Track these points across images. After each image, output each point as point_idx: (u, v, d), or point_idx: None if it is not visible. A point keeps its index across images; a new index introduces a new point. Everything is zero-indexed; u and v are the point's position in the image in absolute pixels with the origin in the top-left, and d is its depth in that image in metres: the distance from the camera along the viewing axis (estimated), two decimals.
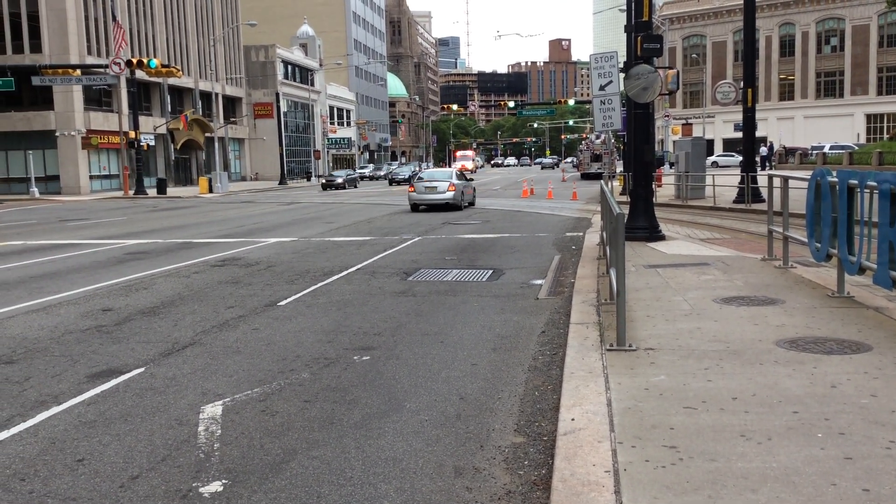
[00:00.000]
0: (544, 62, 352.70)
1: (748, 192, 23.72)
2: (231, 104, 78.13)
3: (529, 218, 23.95)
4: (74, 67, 47.82)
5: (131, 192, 50.63)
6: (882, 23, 77.42)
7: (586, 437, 4.57)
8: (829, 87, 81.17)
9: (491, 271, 12.75)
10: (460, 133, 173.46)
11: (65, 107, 52.42)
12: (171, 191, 54.53)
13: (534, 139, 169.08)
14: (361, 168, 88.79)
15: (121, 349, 7.99)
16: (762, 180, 23.55)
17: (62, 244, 19.29)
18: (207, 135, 66.24)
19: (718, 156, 68.97)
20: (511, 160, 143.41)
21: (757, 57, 60.33)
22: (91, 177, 55.10)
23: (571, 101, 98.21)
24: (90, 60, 52.58)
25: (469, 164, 79.49)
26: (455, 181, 28.75)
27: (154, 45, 62.16)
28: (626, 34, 19.66)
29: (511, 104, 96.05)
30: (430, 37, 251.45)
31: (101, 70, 48.40)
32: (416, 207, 28.60)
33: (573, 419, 4.89)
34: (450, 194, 27.97)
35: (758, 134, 28.56)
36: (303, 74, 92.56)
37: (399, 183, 60.89)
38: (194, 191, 55.08)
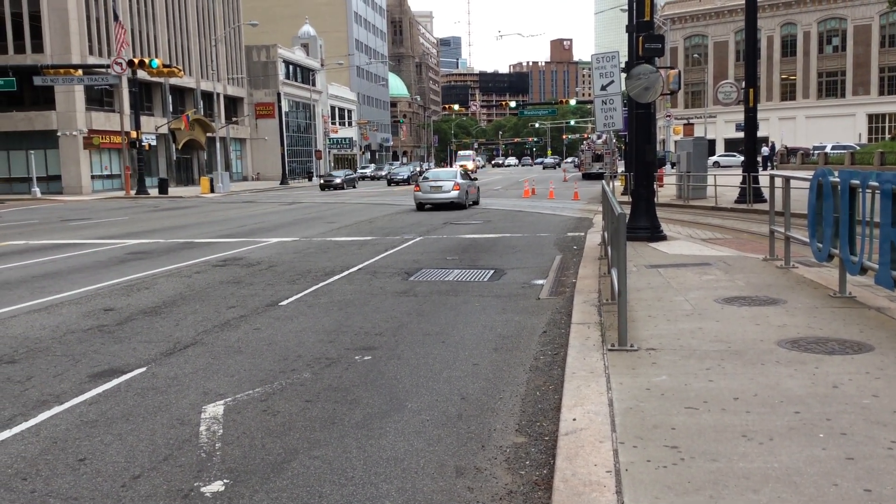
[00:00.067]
0: (546, 62, 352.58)
1: (750, 193, 23.71)
2: (232, 104, 78.19)
3: (531, 218, 23.95)
4: (76, 67, 47.87)
5: (133, 192, 50.67)
6: (884, 23, 77.36)
7: (588, 437, 4.57)
8: (831, 87, 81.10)
9: (492, 271, 12.75)
10: (462, 133, 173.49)
11: (66, 107, 52.47)
12: (173, 191, 54.57)
13: (535, 139, 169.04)
14: (363, 168, 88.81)
15: (122, 349, 7.99)
16: (764, 180, 23.54)
17: (64, 244, 19.31)
18: (209, 135, 66.29)
19: (720, 156, 68.92)
20: (511, 160, 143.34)
21: (758, 57, 60.26)
22: (93, 177, 55.16)
23: (573, 101, 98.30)
24: (92, 60, 52.62)
25: (469, 164, 79.09)
26: (459, 181, 29.33)
27: (156, 44, 62.21)
28: (627, 34, 19.64)
29: (512, 104, 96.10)
30: (432, 37, 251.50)
31: (103, 70, 48.44)
32: (421, 206, 29.19)
33: (575, 419, 4.89)
34: (454, 193, 28.55)
35: (759, 134, 28.54)
36: (304, 74, 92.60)
37: (398, 183, 60.33)
38: (196, 191, 55.11)
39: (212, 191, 52.36)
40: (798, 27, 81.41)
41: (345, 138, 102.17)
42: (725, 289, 9.13)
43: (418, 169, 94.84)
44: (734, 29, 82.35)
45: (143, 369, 7.18)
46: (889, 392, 5.16)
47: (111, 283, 12.41)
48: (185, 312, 9.86)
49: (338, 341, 8.09)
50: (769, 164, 54.61)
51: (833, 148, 54.52)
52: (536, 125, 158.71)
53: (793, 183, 10.78)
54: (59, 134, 52.66)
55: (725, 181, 27.53)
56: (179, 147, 63.87)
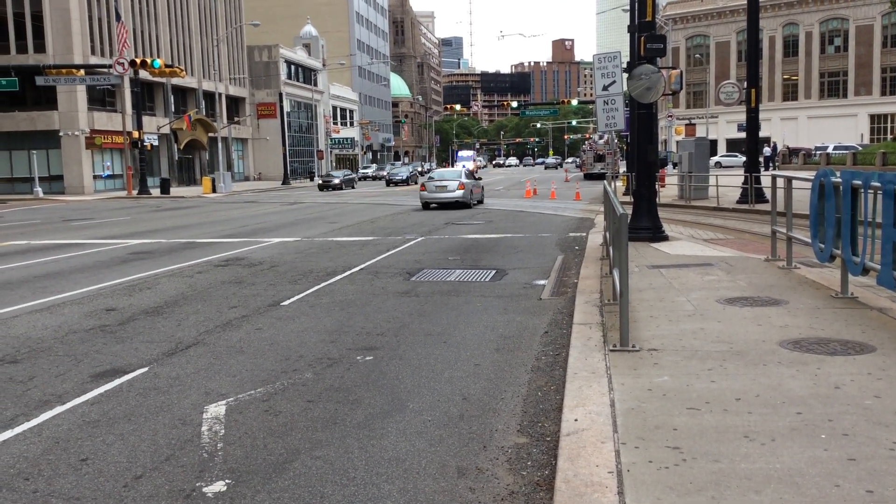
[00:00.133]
0: (547, 62, 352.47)
1: (752, 193, 23.69)
2: (234, 104, 78.23)
3: (532, 218, 23.94)
4: (78, 67, 47.91)
5: (135, 192, 50.71)
6: (886, 23, 77.27)
7: (589, 437, 4.57)
8: (833, 87, 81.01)
9: (494, 271, 12.75)
10: (463, 133, 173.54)
11: (68, 107, 52.52)
12: (175, 191, 54.62)
13: (537, 139, 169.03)
14: (364, 168, 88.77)
15: (124, 349, 8.00)
16: (766, 181, 23.56)
17: (66, 244, 19.33)
18: (211, 135, 66.34)
19: (722, 156, 68.87)
20: (512, 160, 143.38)
21: (760, 57, 60.20)
22: (95, 177, 55.20)
23: (574, 102, 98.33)
24: (94, 60, 52.67)
25: (470, 165, 78.45)
26: (464, 180, 29.89)
27: (157, 45, 62.26)
28: (629, 34, 19.64)
29: (514, 104, 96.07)
30: (434, 37, 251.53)
31: (105, 70, 48.49)
32: (427, 206, 29.71)
33: (576, 420, 4.89)
34: (459, 193, 29.10)
35: (761, 134, 28.49)
36: (306, 74, 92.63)
37: (396, 184, 59.53)
38: (198, 191, 55.15)
39: (214, 191, 52.39)
40: (800, 27, 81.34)
41: (346, 138, 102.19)
42: (727, 289, 9.12)
43: (419, 169, 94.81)
44: (736, 29, 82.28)
45: (145, 369, 7.18)
46: (891, 393, 5.16)
47: (113, 283, 12.42)
48: (187, 312, 9.87)
49: (339, 341, 8.09)
50: (771, 164, 54.56)
51: (835, 148, 54.46)
52: (538, 125, 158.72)
53: (795, 183, 10.77)
54: (61, 134, 52.71)
55: (727, 181, 27.52)
56: (181, 147, 63.92)
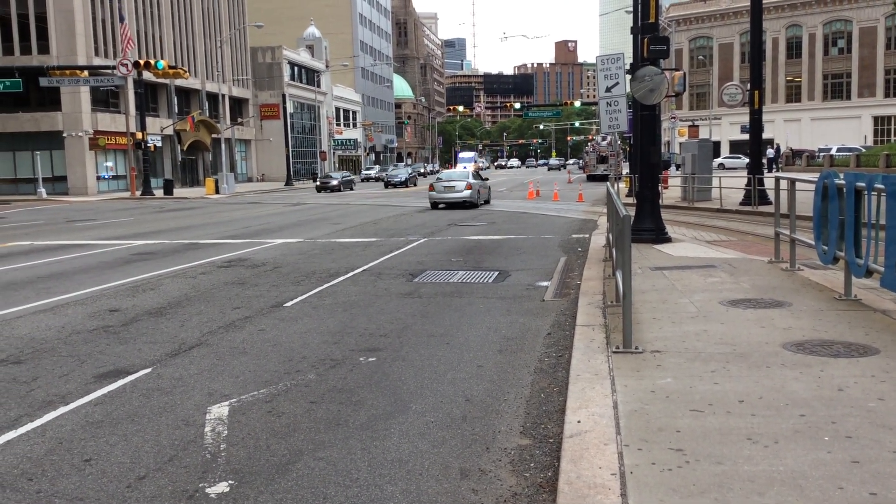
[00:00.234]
0: (550, 64, 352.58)
1: (755, 195, 23.67)
2: (238, 105, 78.33)
3: (535, 219, 23.94)
4: (82, 68, 48.00)
5: (138, 193, 50.80)
6: (889, 24, 77.17)
7: (592, 439, 4.56)
8: (837, 89, 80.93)
9: (497, 273, 12.75)
10: (466, 134, 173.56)
11: (72, 108, 52.61)
12: (178, 192, 54.70)
13: (540, 141, 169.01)
14: (367, 169, 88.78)
15: (128, 350, 8.01)
16: (769, 182, 23.54)
17: (69, 245, 19.36)
18: (214, 136, 66.41)
19: (725, 158, 68.80)
20: (514, 162, 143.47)
21: (764, 59, 60.22)
22: (98, 177, 55.28)
23: (577, 103, 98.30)
24: (98, 62, 52.78)
25: (471, 167, 77.45)
26: (472, 181, 30.59)
27: (161, 46, 62.37)
28: (632, 36, 19.66)
29: (517, 105, 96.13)
30: (436, 38, 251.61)
31: (109, 71, 48.59)
32: (435, 205, 30.47)
33: (579, 421, 4.89)
34: (467, 193, 29.84)
35: (764, 136, 28.51)
36: (309, 76, 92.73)
37: (395, 186, 57.95)
38: (201, 192, 55.23)
39: (217, 192, 52.46)
40: (803, 29, 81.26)
41: (349, 139, 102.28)
42: (730, 291, 9.12)
43: (420, 171, 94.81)
44: (739, 31, 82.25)
45: (149, 370, 7.19)
46: (895, 395, 5.15)
47: (116, 284, 12.44)
48: (191, 313, 9.88)
49: (342, 342, 8.10)
50: (774, 166, 54.51)
51: (838, 150, 54.44)
52: (541, 127, 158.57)
53: (798, 185, 10.76)
54: (64, 135, 52.80)
55: (730, 183, 27.49)
56: (185, 148, 64.02)
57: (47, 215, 33.46)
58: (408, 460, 4.89)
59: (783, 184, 11.31)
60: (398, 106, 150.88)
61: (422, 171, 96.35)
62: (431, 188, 30.78)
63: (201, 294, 11.35)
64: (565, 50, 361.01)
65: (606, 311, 8.33)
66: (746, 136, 28.42)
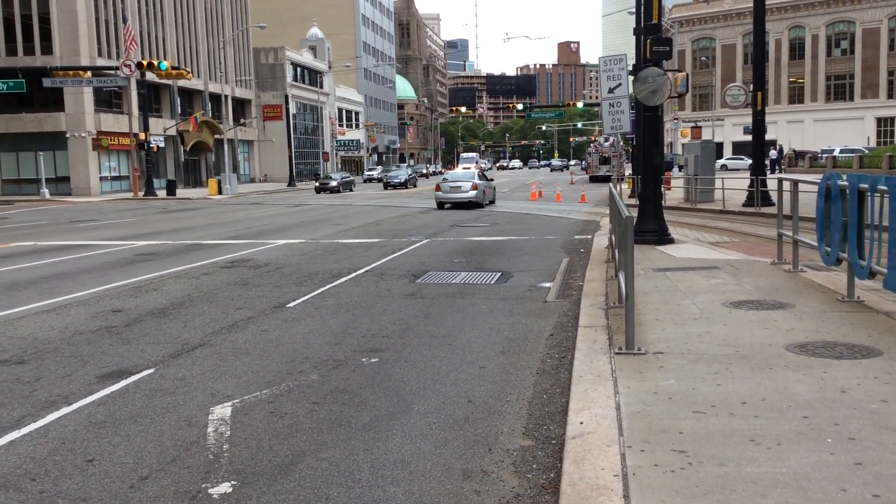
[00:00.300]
0: (553, 65, 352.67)
1: (758, 196, 23.65)
2: (240, 106, 78.39)
3: (538, 220, 23.93)
4: (85, 69, 48.07)
5: (141, 194, 50.85)
6: (893, 26, 77.06)
7: (595, 440, 4.56)
8: (839, 90, 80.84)
9: (499, 274, 12.75)
10: (468, 135, 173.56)
11: (75, 108, 52.69)
12: (181, 192, 54.73)
13: (542, 141, 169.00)
14: (370, 170, 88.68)
15: (130, 350, 8.02)
16: (772, 184, 23.52)
17: (73, 245, 19.39)
18: (217, 136, 66.45)
19: (728, 159, 68.76)
20: (516, 163, 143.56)
21: (766, 60, 60.07)
22: (101, 178, 55.35)
23: (580, 104, 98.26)
24: (101, 62, 52.86)
25: (472, 167, 76.55)
26: (477, 181, 31.09)
27: (164, 47, 62.44)
28: (635, 37, 19.66)
29: (519, 106, 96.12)
30: (439, 39, 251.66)
31: (112, 72, 48.67)
32: (441, 205, 30.96)
33: (582, 423, 4.89)
34: (472, 193, 30.32)
35: (767, 137, 28.50)
36: (312, 76, 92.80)
37: (395, 187, 57.06)
38: (204, 192, 55.27)
39: (219, 192, 52.51)
40: (806, 30, 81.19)
41: (352, 140, 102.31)
42: (733, 292, 9.11)
43: (423, 171, 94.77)
44: (742, 32, 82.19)
45: (151, 370, 7.20)
46: None
47: (119, 285, 12.46)
48: (193, 314, 9.90)
49: (345, 343, 8.10)
50: (777, 167, 54.46)
51: (841, 151, 54.37)
52: (543, 128, 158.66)
53: (801, 186, 10.75)
54: (67, 135, 52.87)
55: (733, 184, 27.47)
56: (187, 149, 64.08)
57: (50, 216, 33.51)
58: (410, 461, 4.90)
59: (786, 185, 11.31)
60: (401, 107, 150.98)
61: (424, 171, 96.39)
62: (438, 188, 31.29)
63: (204, 295, 11.36)
64: (568, 51, 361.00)
65: (609, 313, 8.33)
66: (749, 138, 28.43)
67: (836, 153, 52.91)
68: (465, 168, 59.26)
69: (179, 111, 62.90)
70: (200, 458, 5.04)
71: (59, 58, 51.17)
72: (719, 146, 67.16)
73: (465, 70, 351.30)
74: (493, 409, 5.90)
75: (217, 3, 72.67)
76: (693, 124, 67.51)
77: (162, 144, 58.70)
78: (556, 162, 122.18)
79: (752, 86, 25.48)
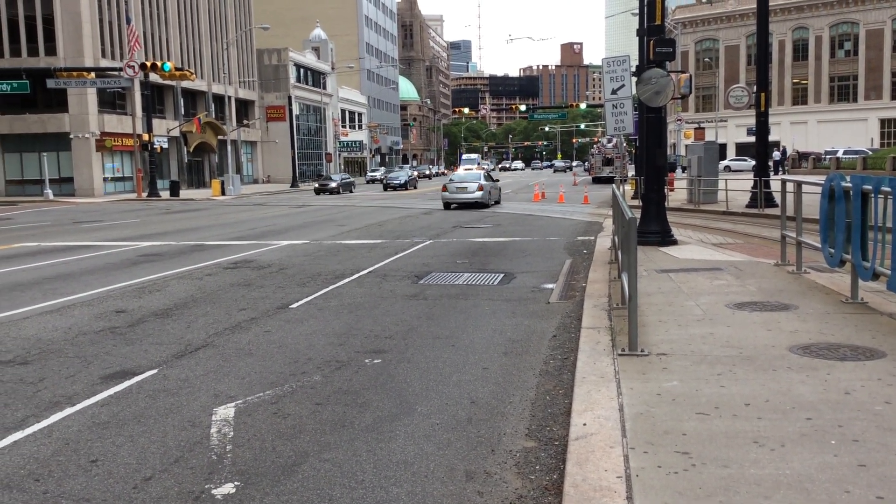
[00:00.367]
0: (556, 66, 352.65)
1: (761, 197, 23.63)
2: (244, 107, 78.49)
3: (541, 222, 23.93)
4: (89, 70, 48.16)
5: (144, 195, 50.93)
6: None
7: (598, 442, 4.56)
8: (843, 91, 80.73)
9: (502, 275, 12.74)
10: (471, 136, 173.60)
11: (79, 109, 52.79)
12: (184, 193, 54.81)
13: (545, 143, 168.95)
14: (373, 171, 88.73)
15: (134, 351, 8.03)
16: (775, 185, 23.48)
17: (76, 246, 19.42)
18: (220, 137, 66.58)
19: (731, 160, 68.74)
20: (518, 164, 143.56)
21: (770, 61, 60.07)
22: (104, 179, 55.45)
23: (583, 105, 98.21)
24: (104, 63, 52.96)
25: (474, 168, 75.33)
26: (483, 182, 31.58)
27: (168, 48, 62.54)
28: (638, 38, 19.64)
29: (522, 108, 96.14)
30: (442, 40, 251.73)
31: (116, 73, 48.74)
32: (448, 206, 31.46)
33: (585, 424, 4.89)
34: (479, 194, 30.83)
35: (771, 138, 28.42)
36: (315, 78, 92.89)
37: (395, 188, 56.18)
38: (207, 193, 55.33)
39: (223, 193, 52.55)
40: (810, 31, 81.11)
41: (355, 141, 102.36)
42: (737, 294, 9.10)
43: (426, 172, 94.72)
44: (745, 33, 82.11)
45: (155, 371, 7.21)
46: None
47: (123, 285, 12.47)
48: (197, 315, 9.91)
49: (348, 344, 8.11)
50: (780, 168, 54.38)
51: (845, 153, 54.27)
52: (546, 129, 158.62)
53: (804, 188, 10.73)
54: (71, 136, 52.98)
55: (736, 185, 27.44)
56: (191, 150, 64.16)
57: (54, 216, 33.57)
58: (413, 462, 4.90)
59: (789, 186, 11.29)
60: (403, 108, 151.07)
61: (427, 173, 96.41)
62: (444, 189, 31.85)
63: (207, 295, 11.37)
64: (571, 52, 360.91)
65: (612, 314, 8.32)
66: (752, 139, 28.35)
67: (839, 154, 52.82)
68: (466, 169, 59.09)
69: (183, 112, 62.99)
70: (204, 459, 5.04)
71: (62, 59, 51.28)
72: (722, 147, 67.17)
73: (468, 71, 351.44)
74: (496, 410, 5.90)
75: (220, 5, 72.78)
76: (696, 125, 67.45)
77: (165, 145, 58.81)
78: (559, 163, 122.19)
79: (755, 87, 25.45)
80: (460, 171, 37.19)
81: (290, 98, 74.58)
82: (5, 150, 54.48)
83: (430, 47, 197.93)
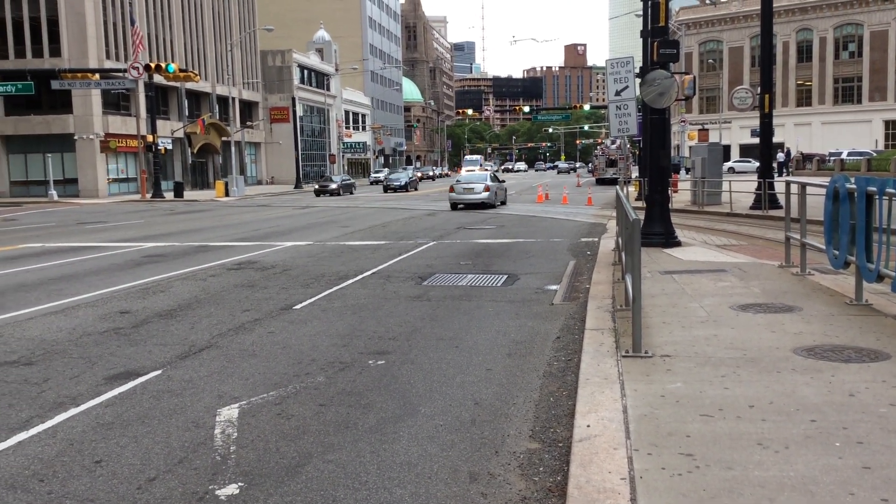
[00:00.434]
0: (560, 67, 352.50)
1: (765, 199, 23.59)
2: (248, 108, 78.60)
3: (544, 223, 23.92)
4: (93, 71, 48.22)
5: (148, 196, 51.01)
6: None
7: (602, 443, 4.56)
8: (847, 92, 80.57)
9: (506, 276, 12.74)
10: (475, 137, 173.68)
11: (83, 110, 52.91)
12: (188, 194, 54.91)
13: (549, 144, 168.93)
14: (377, 172, 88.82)
15: (138, 351, 8.05)
16: (779, 186, 23.45)
17: (80, 247, 19.45)
18: (224, 139, 66.65)
19: (735, 162, 68.60)
20: (521, 165, 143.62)
21: (774, 62, 59.98)
22: (109, 180, 55.55)
23: (587, 106, 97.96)
24: (109, 65, 53.08)
25: (477, 169, 74.53)
26: (489, 183, 32.23)
27: (172, 49, 62.67)
28: (642, 39, 19.64)
29: (526, 109, 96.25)
30: (446, 42, 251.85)
31: (120, 74, 48.81)
32: (454, 206, 31.97)
33: (589, 426, 4.88)
34: (485, 195, 31.42)
35: (775, 140, 28.42)
36: (319, 79, 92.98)
37: (395, 190, 55.22)
38: (211, 194, 55.40)
39: (227, 194, 52.62)
40: (814, 33, 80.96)
41: (358, 142, 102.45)
42: (741, 295, 9.09)
43: (429, 174, 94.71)
44: (749, 34, 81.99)
45: (159, 372, 7.22)
46: None
47: (127, 286, 12.49)
48: (200, 315, 9.92)
49: (351, 345, 8.11)
50: (784, 170, 54.30)
51: (849, 154, 54.16)
52: (550, 130, 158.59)
53: (809, 189, 10.72)
54: (76, 137, 53.11)
55: (740, 187, 27.38)
56: (195, 151, 64.24)
57: (58, 217, 33.64)
58: (417, 463, 4.90)
59: (794, 188, 11.28)
60: (407, 109, 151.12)
61: (431, 174, 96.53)
62: (451, 190, 32.45)
63: (211, 296, 11.39)
64: (575, 53, 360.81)
65: (616, 315, 8.32)
66: (757, 140, 28.32)
67: (843, 156, 52.72)
68: (468, 170, 59.06)
69: (187, 113, 63.05)
70: (208, 460, 5.05)
71: (67, 60, 51.42)
72: (726, 149, 67.05)
73: (471, 72, 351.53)
74: (499, 411, 5.90)
75: (224, 6, 72.91)
76: (700, 127, 67.42)
77: (169, 146, 58.89)
78: (562, 164, 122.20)
79: (759, 88, 25.42)
80: (465, 172, 37.58)
81: (293, 99, 74.66)
82: (10, 152, 54.63)
83: (434, 49, 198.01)
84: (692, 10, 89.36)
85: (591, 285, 10.85)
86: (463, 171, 66.02)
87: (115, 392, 6.61)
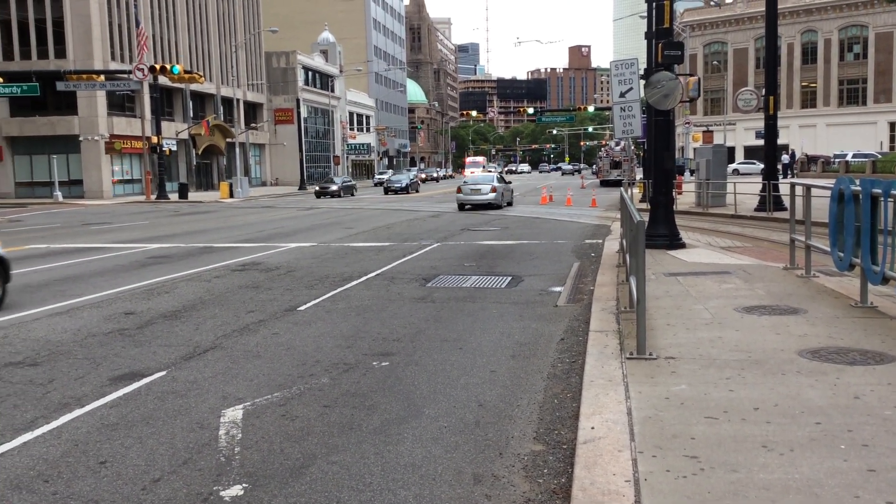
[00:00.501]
0: (564, 69, 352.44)
1: (770, 201, 23.54)
2: (252, 110, 78.72)
3: (548, 225, 23.91)
4: (98, 73, 48.32)
5: (153, 197, 51.12)
6: None
7: (606, 445, 4.55)
8: (852, 94, 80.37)
9: (510, 278, 12.74)
10: (479, 139, 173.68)
11: (89, 112, 53.04)
12: (193, 195, 54.98)
13: (553, 146, 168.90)
14: (381, 173, 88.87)
15: (143, 352, 8.06)
16: (784, 188, 23.42)
17: (85, 248, 19.50)
18: (228, 140, 66.76)
19: (739, 163, 68.48)
20: (524, 167, 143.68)
21: (779, 64, 59.81)
22: (113, 181, 55.67)
23: (591, 108, 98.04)
24: (114, 66, 53.20)
25: (478, 172, 73.90)
26: (496, 184, 32.95)
27: (177, 50, 62.80)
28: (646, 41, 19.60)
29: (530, 111, 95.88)
30: (450, 43, 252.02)
31: (125, 75, 48.92)
32: (462, 207, 32.61)
33: (593, 427, 4.88)
34: (492, 195, 32.07)
35: (779, 142, 28.34)
36: (323, 80, 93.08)
37: (396, 192, 54.69)
38: (215, 195, 55.49)
39: (231, 196, 52.70)
40: (819, 34, 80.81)
41: (363, 144, 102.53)
42: (745, 297, 9.07)
43: (434, 175, 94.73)
44: (754, 36, 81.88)
45: (164, 373, 7.23)
46: None
47: (132, 287, 12.52)
48: (205, 317, 9.93)
49: (356, 347, 8.12)
50: (789, 172, 54.19)
51: (854, 156, 54.01)
52: (554, 132, 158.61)
53: (813, 191, 10.71)
54: (81, 139, 53.23)
55: (745, 189, 27.36)
56: (199, 152, 64.38)
57: (63, 218, 33.72)
58: (421, 465, 4.90)
59: (798, 190, 11.26)
60: (411, 111, 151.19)
61: (435, 175, 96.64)
62: (459, 191, 33.04)
63: (216, 297, 11.40)
64: (579, 55, 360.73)
65: (620, 317, 8.31)
66: (761, 142, 28.28)
67: (848, 158, 52.57)
68: (471, 172, 59.06)
69: (192, 115, 63.22)
70: (212, 461, 5.05)
71: (72, 61, 51.54)
72: (731, 151, 66.92)
73: (475, 74, 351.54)
74: (503, 413, 5.90)
75: (229, 8, 73.05)
76: (705, 128, 67.28)
77: (174, 148, 59.00)
78: (566, 166, 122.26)
79: (764, 90, 25.40)
80: (468, 173, 37.82)
81: (298, 101, 74.77)
82: (15, 153, 54.78)
83: (438, 50, 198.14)
84: (697, 12, 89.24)
85: (595, 287, 10.85)
86: (466, 173, 65.89)
87: (120, 393, 6.62)
